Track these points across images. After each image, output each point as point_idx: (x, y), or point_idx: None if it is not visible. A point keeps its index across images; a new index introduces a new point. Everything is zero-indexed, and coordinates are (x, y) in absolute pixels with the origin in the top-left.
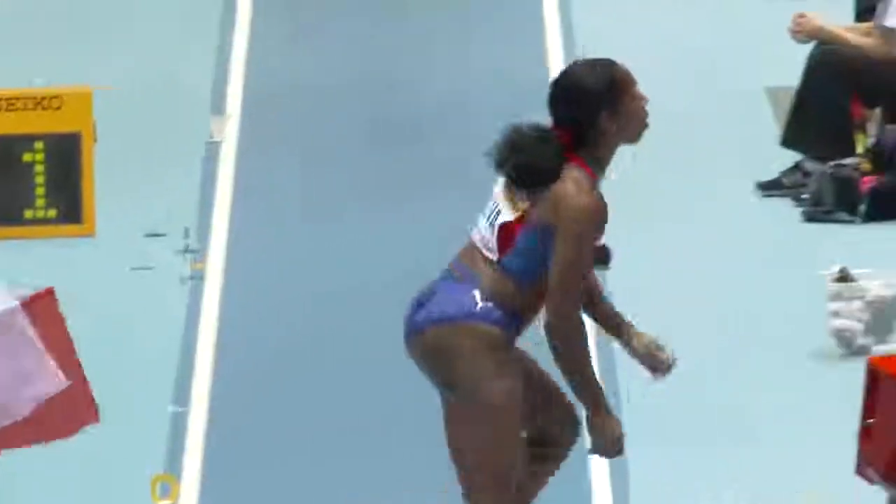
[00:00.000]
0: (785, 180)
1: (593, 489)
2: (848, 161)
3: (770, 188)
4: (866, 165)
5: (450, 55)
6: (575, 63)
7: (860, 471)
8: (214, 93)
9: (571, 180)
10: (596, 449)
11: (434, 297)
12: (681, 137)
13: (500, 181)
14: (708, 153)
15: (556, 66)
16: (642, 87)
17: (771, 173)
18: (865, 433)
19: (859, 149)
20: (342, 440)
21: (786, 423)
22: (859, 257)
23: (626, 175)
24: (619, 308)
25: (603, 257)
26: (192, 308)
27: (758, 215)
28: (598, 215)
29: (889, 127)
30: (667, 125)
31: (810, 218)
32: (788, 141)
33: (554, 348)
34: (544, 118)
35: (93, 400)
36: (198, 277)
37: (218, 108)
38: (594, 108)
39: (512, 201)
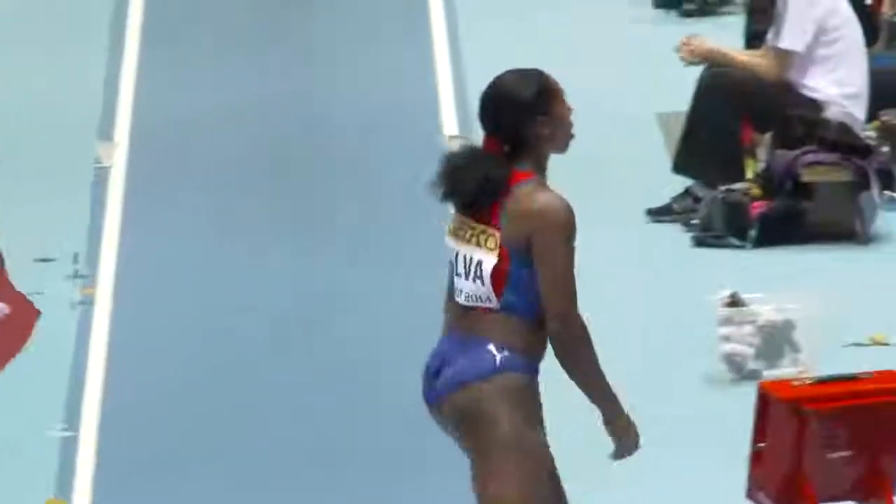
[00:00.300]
0: (675, 206)
1: None
2: (738, 186)
3: (660, 214)
4: (756, 191)
5: (340, 78)
6: (504, 74)
7: (751, 495)
8: (104, 117)
9: (531, 192)
10: (621, 452)
11: (450, 362)
12: (571, 163)
13: (449, 236)
14: (598, 179)
15: (445, 93)
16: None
17: (662, 199)
18: (756, 457)
19: (749, 174)
20: (232, 463)
21: (676, 447)
22: (750, 282)
23: None
24: None
25: None
26: (81, 333)
27: (648, 241)
28: (573, 216)
29: (779, 152)
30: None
31: (700, 243)
32: (679, 166)
33: (561, 356)
34: (437, 141)
35: (27, 302)
36: (87, 302)
37: (107, 133)
38: (531, 112)
39: (480, 245)
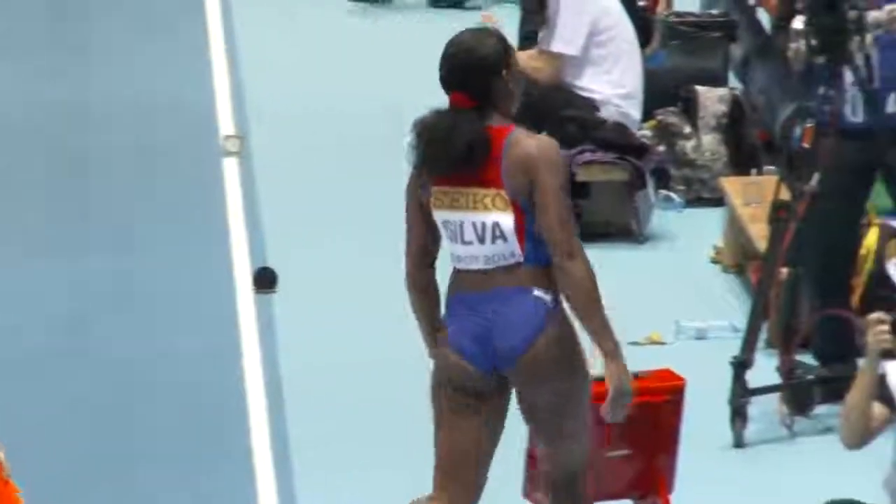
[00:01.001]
0: None
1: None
2: None
3: None
4: None
5: (116, 78)
6: (462, 34)
7: (528, 495)
8: None
9: (523, 139)
10: (611, 402)
11: (502, 323)
12: (363, 157)
13: (441, 210)
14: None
15: (222, 89)
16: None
17: None
18: (532, 457)
19: None
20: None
21: None
22: None
23: (297, 194)
24: (287, 333)
25: (268, 280)
26: None
27: None
28: (560, 153)
29: None
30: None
31: None
32: None
33: (569, 290)
34: (212, 140)
35: None
36: None
37: None
38: (499, 68)
39: (488, 208)
